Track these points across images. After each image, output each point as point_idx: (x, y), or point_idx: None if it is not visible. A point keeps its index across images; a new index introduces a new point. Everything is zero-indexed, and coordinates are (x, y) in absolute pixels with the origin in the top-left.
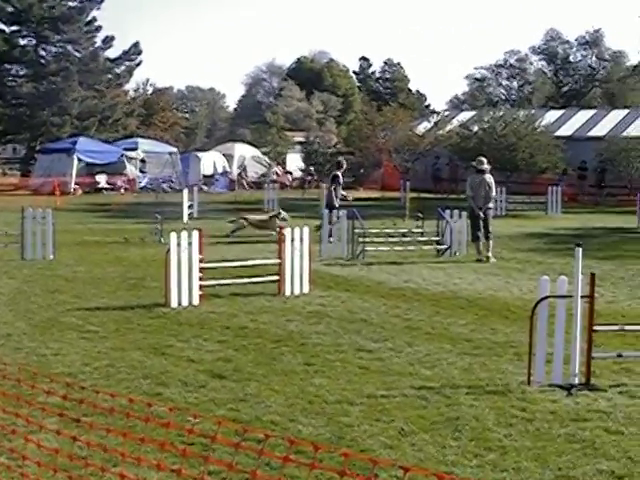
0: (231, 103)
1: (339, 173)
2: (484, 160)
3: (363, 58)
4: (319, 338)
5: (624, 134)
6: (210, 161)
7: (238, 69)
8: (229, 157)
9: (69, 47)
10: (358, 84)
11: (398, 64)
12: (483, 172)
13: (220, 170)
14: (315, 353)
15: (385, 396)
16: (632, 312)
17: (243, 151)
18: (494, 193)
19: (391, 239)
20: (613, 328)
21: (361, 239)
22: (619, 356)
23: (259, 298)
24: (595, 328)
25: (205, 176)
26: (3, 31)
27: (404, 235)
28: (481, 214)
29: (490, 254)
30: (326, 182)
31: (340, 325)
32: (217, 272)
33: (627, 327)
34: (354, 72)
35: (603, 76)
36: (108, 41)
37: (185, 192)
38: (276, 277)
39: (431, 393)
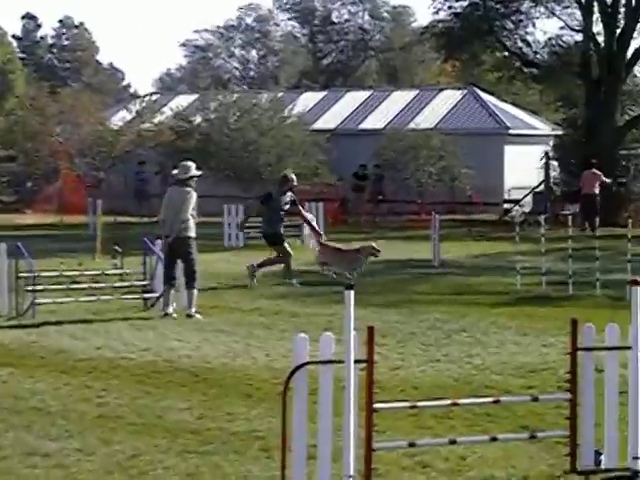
0: None
1: None
2: (191, 166)
3: (28, 16)
4: None
5: (411, 125)
6: None
7: None
8: None
9: None
10: (21, 55)
11: (81, 25)
12: (186, 184)
13: None
14: None
15: None
16: (427, 381)
17: None
18: (186, 215)
19: (76, 286)
20: (402, 405)
21: (30, 287)
22: (411, 445)
23: None
24: (377, 406)
25: None
26: None
27: (95, 280)
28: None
29: (193, 310)
30: None
31: None
32: None
33: (421, 403)
34: (14, 37)
35: (380, 43)
36: None
37: None
38: None
39: None
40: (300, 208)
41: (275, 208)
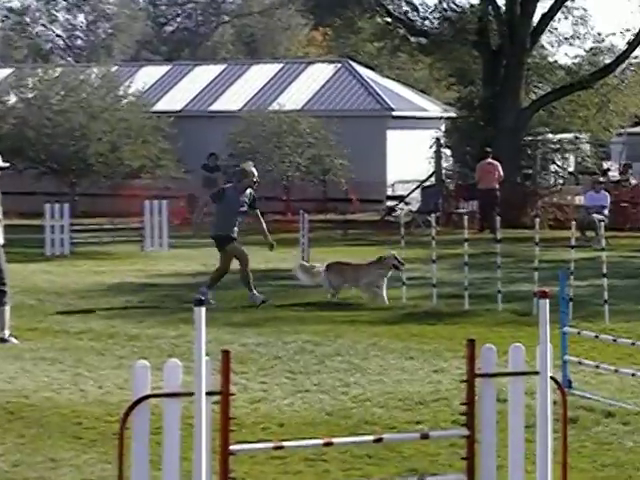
0: None
1: None
2: None
3: None
4: None
5: (274, 106)
6: None
7: None
8: None
9: None
10: None
11: None
12: None
13: None
14: None
15: None
16: (295, 416)
17: None
18: None
19: None
20: (264, 446)
21: None
22: None
23: None
24: (234, 448)
25: None
26: None
27: None
28: None
29: (6, 332)
30: None
31: None
32: None
33: (288, 443)
34: None
35: (236, 6)
36: None
37: None
38: None
39: None
40: (258, 212)
41: (230, 208)
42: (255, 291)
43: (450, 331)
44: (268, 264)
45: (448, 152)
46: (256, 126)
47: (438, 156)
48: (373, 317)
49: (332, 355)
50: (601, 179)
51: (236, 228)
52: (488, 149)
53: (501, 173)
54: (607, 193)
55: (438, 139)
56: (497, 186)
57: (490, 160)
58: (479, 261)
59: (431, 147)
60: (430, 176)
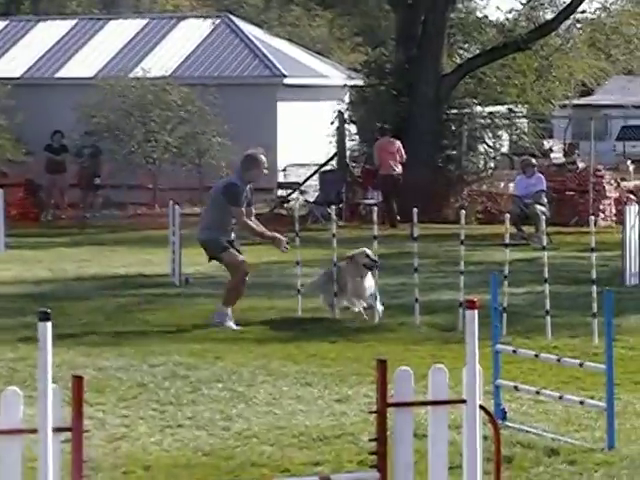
0: None
1: None
2: None
3: None
4: None
5: (137, 72)
6: None
7: None
8: None
9: None
10: None
11: None
12: None
13: None
14: None
15: None
16: (165, 457)
17: None
18: None
19: None
20: None
21: None
22: None
23: None
24: None
25: None
26: None
27: None
28: None
29: None
30: None
31: None
32: None
33: None
34: None
35: None
36: None
37: None
38: None
39: None
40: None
41: (230, 206)
42: (230, 312)
43: (356, 350)
44: (130, 268)
45: (353, 129)
46: (114, 97)
47: (341, 134)
48: (261, 334)
49: (210, 381)
50: (533, 160)
51: (232, 231)
52: (386, 125)
53: (403, 155)
54: (541, 175)
55: (341, 113)
56: (399, 171)
57: (391, 139)
58: (392, 263)
59: (332, 123)
60: (331, 159)
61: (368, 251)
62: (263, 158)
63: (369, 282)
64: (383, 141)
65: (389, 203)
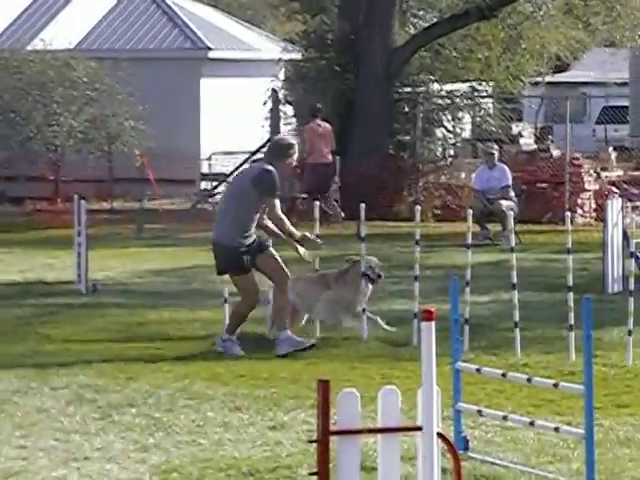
0: None
1: None
2: None
3: None
4: None
5: (36, 45)
6: None
7: None
8: None
9: None
10: None
11: None
12: None
13: None
14: None
15: None
16: None
17: None
18: None
19: None
20: None
21: None
22: None
23: None
24: None
25: None
26: None
27: None
28: None
29: None
30: None
31: None
32: None
33: None
34: None
35: None
36: None
37: None
38: None
39: None
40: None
41: (256, 202)
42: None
43: (293, 369)
44: (28, 274)
45: (289, 110)
46: (8, 73)
47: (275, 116)
48: (182, 350)
49: (123, 406)
50: (494, 148)
51: (253, 234)
52: (319, 105)
53: (333, 142)
54: (505, 167)
55: (275, 92)
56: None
57: (320, 122)
58: (336, 267)
59: (265, 103)
60: (263, 145)
61: (374, 261)
62: (294, 142)
63: (363, 296)
64: (313, 125)
65: (325, 197)
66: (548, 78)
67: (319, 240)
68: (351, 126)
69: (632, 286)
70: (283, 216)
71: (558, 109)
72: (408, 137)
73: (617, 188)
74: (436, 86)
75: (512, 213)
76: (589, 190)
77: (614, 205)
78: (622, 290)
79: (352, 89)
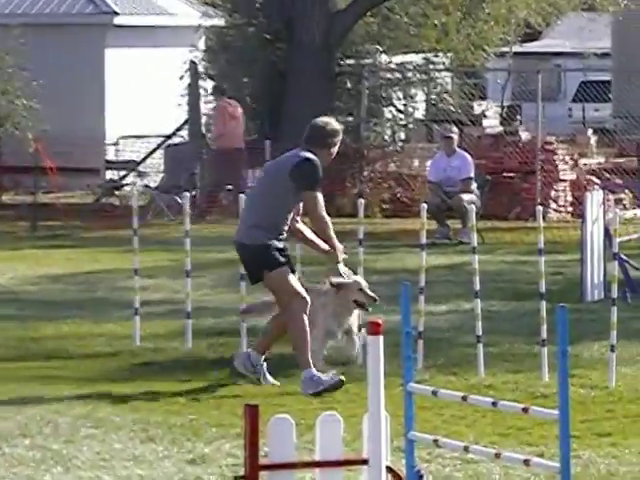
0: None
1: None
2: None
3: None
4: None
5: None
6: None
7: None
8: None
9: None
10: None
11: None
12: None
13: None
14: None
15: None
16: None
17: None
18: None
19: None
20: None
21: None
22: None
23: None
24: None
25: None
26: None
27: None
28: None
29: None
30: None
31: None
32: None
33: None
34: None
35: None
36: None
37: None
38: None
39: None
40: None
41: (293, 196)
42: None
43: (216, 392)
44: None
45: (211, 86)
46: None
47: (194, 93)
48: (84, 371)
49: (14, 436)
50: (453, 131)
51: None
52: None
53: (243, 125)
54: (466, 154)
55: (194, 64)
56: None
57: (229, 100)
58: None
59: (182, 78)
60: (180, 128)
61: (363, 283)
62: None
63: (352, 321)
64: (220, 104)
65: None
66: (516, 48)
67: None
68: (284, 105)
69: (615, 293)
70: (327, 218)
71: (528, 85)
72: (351, 118)
73: (597, 178)
74: (384, 58)
75: (474, 208)
76: (565, 180)
77: (594, 198)
78: (603, 298)
79: (285, 61)
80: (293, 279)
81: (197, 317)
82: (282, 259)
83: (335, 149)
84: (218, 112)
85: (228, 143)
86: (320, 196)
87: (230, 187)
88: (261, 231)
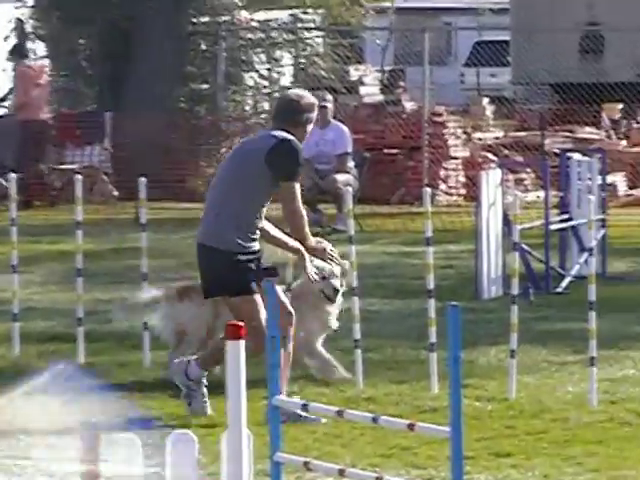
0: None
1: None
2: None
3: None
4: None
5: None
6: None
7: None
8: None
9: None
10: None
11: None
12: None
13: None
14: None
15: None
16: None
17: None
18: None
19: None
20: None
21: None
22: None
23: None
24: None
25: None
26: None
27: None
28: None
29: None
30: None
31: None
32: None
33: None
34: None
35: None
36: None
37: None
38: None
39: None
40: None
41: (268, 185)
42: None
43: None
44: None
45: (41, 48)
46: None
47: (21, 56)
48: None
49: None
50: (327, 99)
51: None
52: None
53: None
54: (342, 126)
55: (21, 22)
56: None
57: (33, 64)
58: (105, 266)
59: (7, 39)
60: (4, 98)
61: (334, 271)
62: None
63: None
64: (23, 66)
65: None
66: (399, 2)
67: (346, 262)
68: (127, 69)
69: (516, 290)
70: (304, 212)
71: (413, 46)
72: (206, 85)
73: (494, 155)
74: (244, 14)
75: (350, 190)
76: (456, 158)
77: (490, 178)
78: (502, 295)
79: (128, 19)
80: (259, 309)
81: (25, 319)
82: (252, 281)
83: (311, 127)
84: (18, 78)
85: (30, 114)
86: (298, 186)
87: (65, 167)
88: (232, 231)
